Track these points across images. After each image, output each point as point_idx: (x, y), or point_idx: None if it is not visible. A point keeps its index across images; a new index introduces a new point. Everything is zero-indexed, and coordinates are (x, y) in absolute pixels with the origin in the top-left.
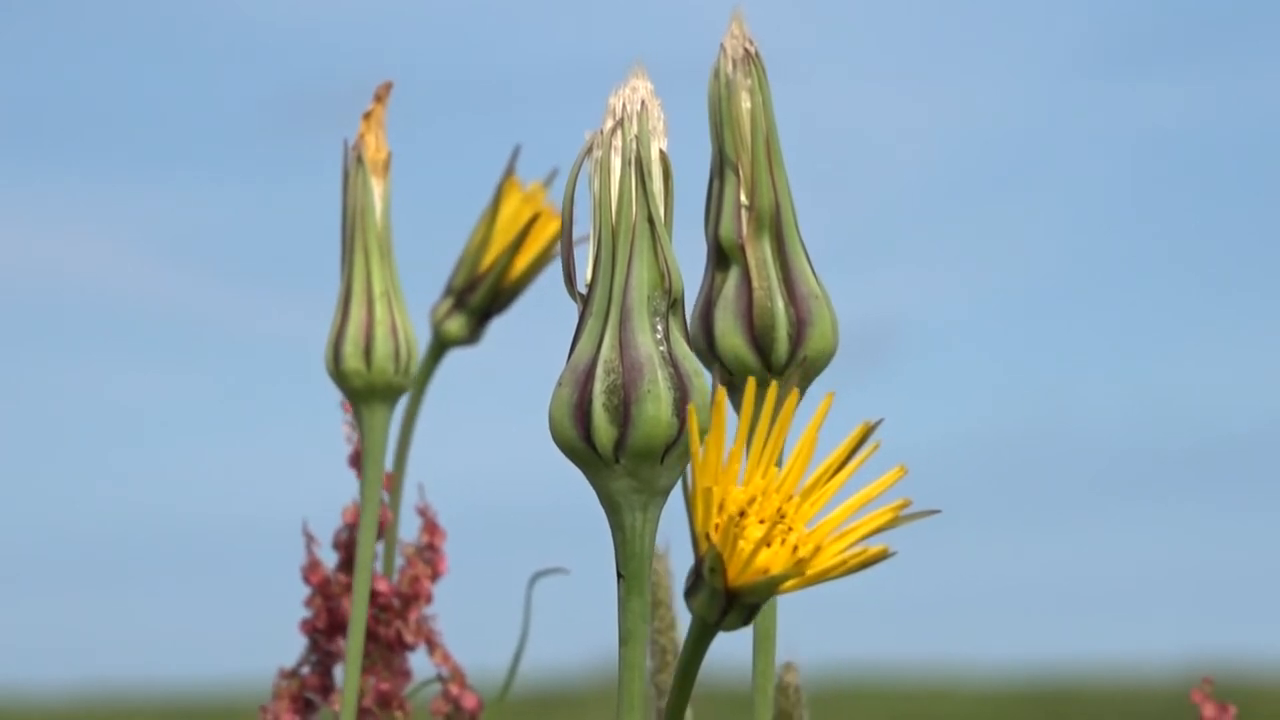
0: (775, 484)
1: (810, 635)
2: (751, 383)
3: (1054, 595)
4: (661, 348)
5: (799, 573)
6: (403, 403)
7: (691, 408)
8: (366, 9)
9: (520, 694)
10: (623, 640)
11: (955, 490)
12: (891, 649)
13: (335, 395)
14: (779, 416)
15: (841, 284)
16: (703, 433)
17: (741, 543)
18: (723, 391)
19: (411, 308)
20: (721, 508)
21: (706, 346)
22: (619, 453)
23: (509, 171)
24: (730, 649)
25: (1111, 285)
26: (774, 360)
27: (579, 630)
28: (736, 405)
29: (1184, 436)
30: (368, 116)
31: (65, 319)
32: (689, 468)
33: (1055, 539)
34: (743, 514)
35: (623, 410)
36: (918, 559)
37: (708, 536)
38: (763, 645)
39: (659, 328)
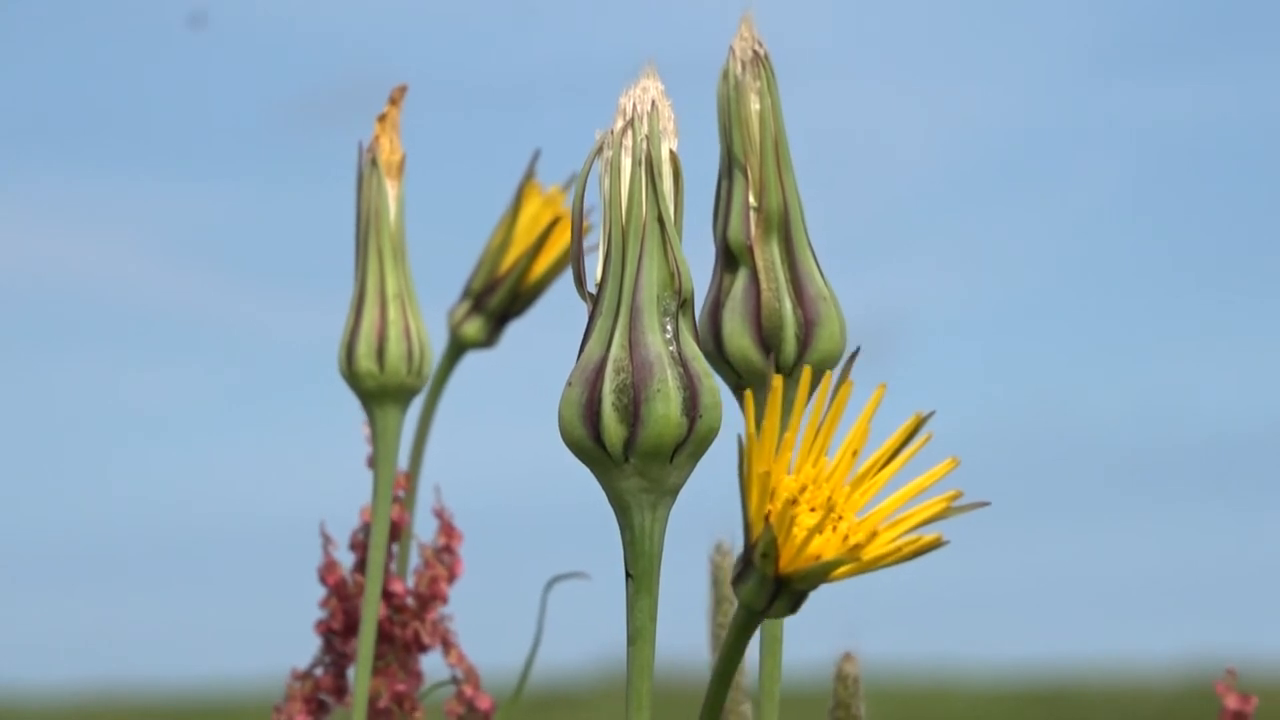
0: (826, 473)
1: (809, 635)
2: (806, 372)
3: (1054, 595)
4: (671, 347)
5: (853, 558)
6: (419, 405)
7: (748, 394)
8: (382, 9)
9: (528, 693)
10: (631, 640)
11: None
12: (891, 649)
13: (354, 396)
14: (831, 407)
15: (845, 282)
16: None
17: (795, 529)
18: (780, 379)
19: (427, 309)
20: (774, 495)
21: (715, 348)
22: (628, 452)
23: (529, 175)
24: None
25: (1113, 285)
26: (782, 361)
27: (589, 630)
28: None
29: (1186, 436)
30: (382, 119)
31: (78, 318)
32: (743, 454)
33: (1056, 539)
34: (794, 502)
35: (632, 409)
36: (918, 558)
37: (764, 519)
38: (770, 649)
39: (669, 327)
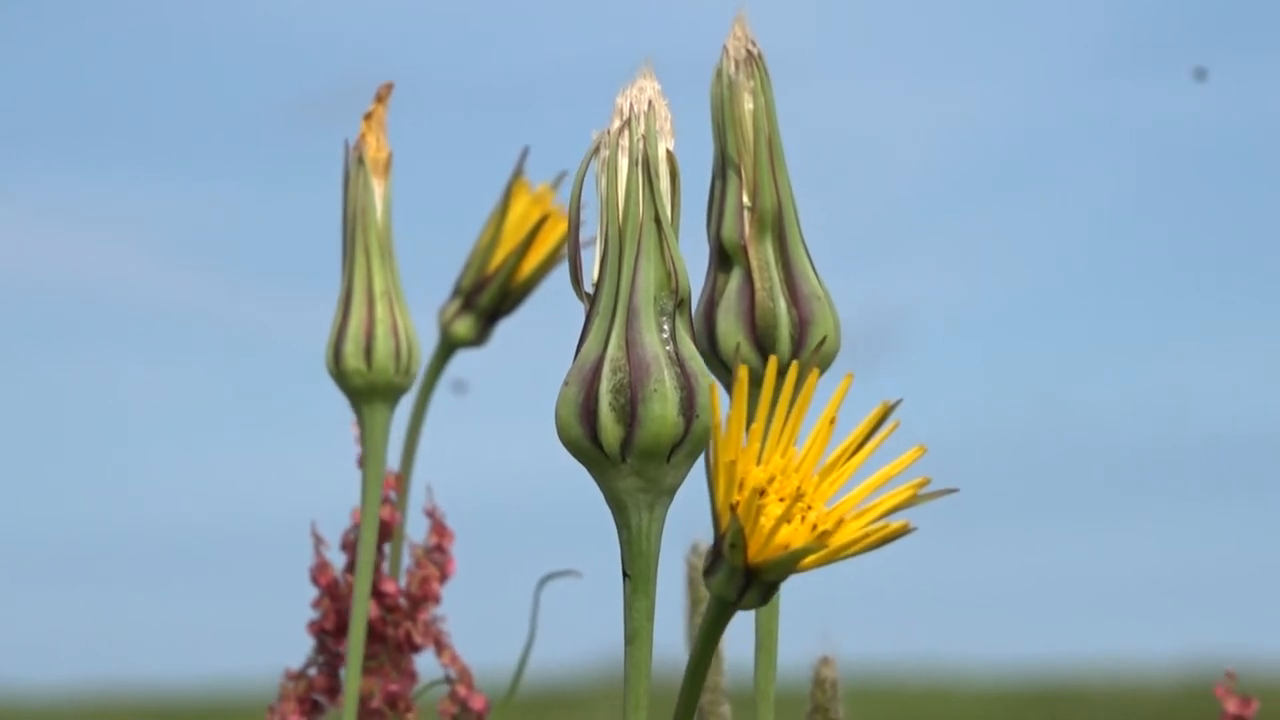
0: (794, 463)
1: (810, 636)
2: (773, 363)
3: (1054, 595)
4: (668, 347)
5: (820, 547)
6: (410, 404)
7: (712, 385)
8: (381, 9)
9: (525, 694)
10: (628, 640)
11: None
12: (891, 649)
13: (343, 395)
14: (797, 398)
15: (845, 282)
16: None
17: (762, 519)
18: (744, 369)
19: (417, 308)
20: (741, 485)
21: (709, 347)
22: (626, 452)
23: (517, 172)
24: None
25: (1114, 285)
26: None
27: (585, 630)
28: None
29: (1186, 436)
30: (369, 117)
31: (78, 318)
32: (710, 444)
33: (1056, 538)
34: (762, 492)
35: (629, 409)
36: (917, 558)
37: (731, 509)
38: (764, 646)
39: (665, 327)
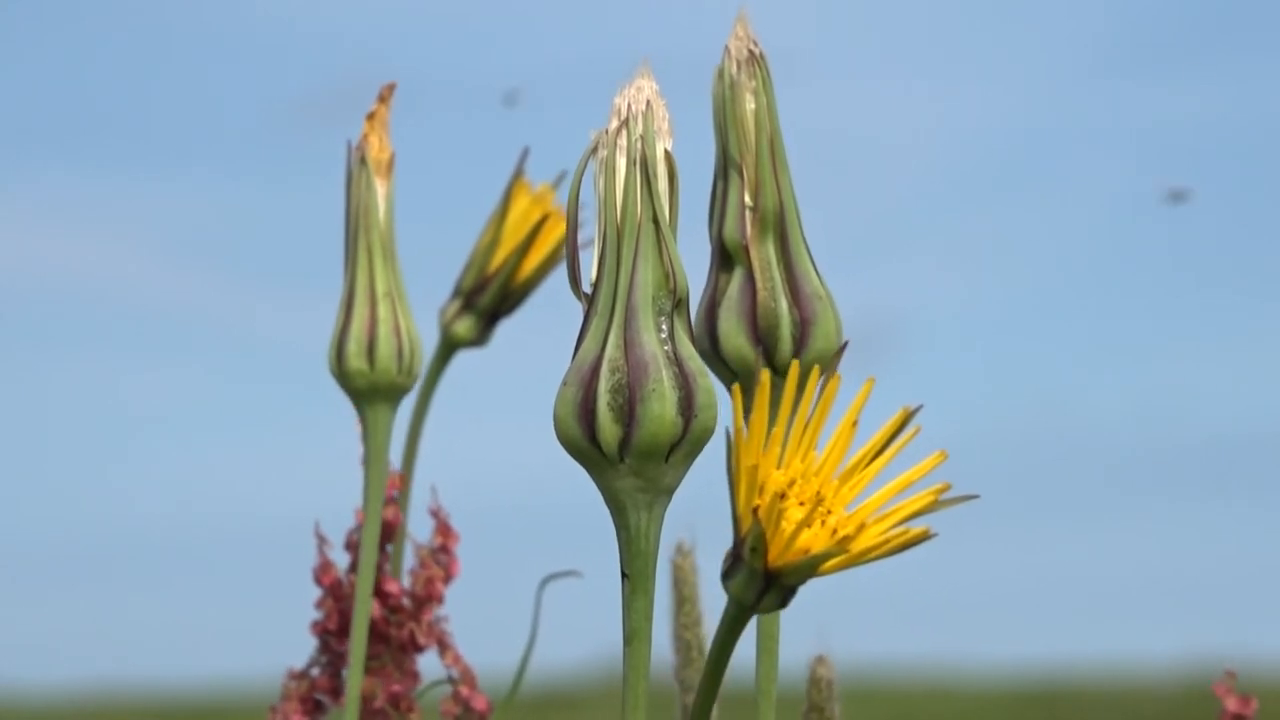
0: (815, 468)
1: (810, 636)
2: (794, 367)
3: (1054, 595)
4: (666, 347)
5: (841, 552)
6: (412, 404)
7: (735, 387)
8: (381, 9)
9: (526, 694)
10: (627, 639)
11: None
12: (891, 649)
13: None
14: (819, 402)
15: (845, 283)
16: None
17: (783, 523)
18: (767, 373)
19: (419, 309)
20: (762, 489)
21: (710, 347)
22: (624, 452)
23: (518, 173)
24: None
25: (1113, 285)
26: (778, 361)
27: (584, 629)
28: (745, 408)
29: (1186, 436)
30: (371, 117)
31: (78, 318)
32: (731, 448)
33: (1056, 539)
34: (783, 496)
35: (628, 409)
36: (917, 558)
37: (752, 513)
38: (766, 648)
39: (664, 327)
